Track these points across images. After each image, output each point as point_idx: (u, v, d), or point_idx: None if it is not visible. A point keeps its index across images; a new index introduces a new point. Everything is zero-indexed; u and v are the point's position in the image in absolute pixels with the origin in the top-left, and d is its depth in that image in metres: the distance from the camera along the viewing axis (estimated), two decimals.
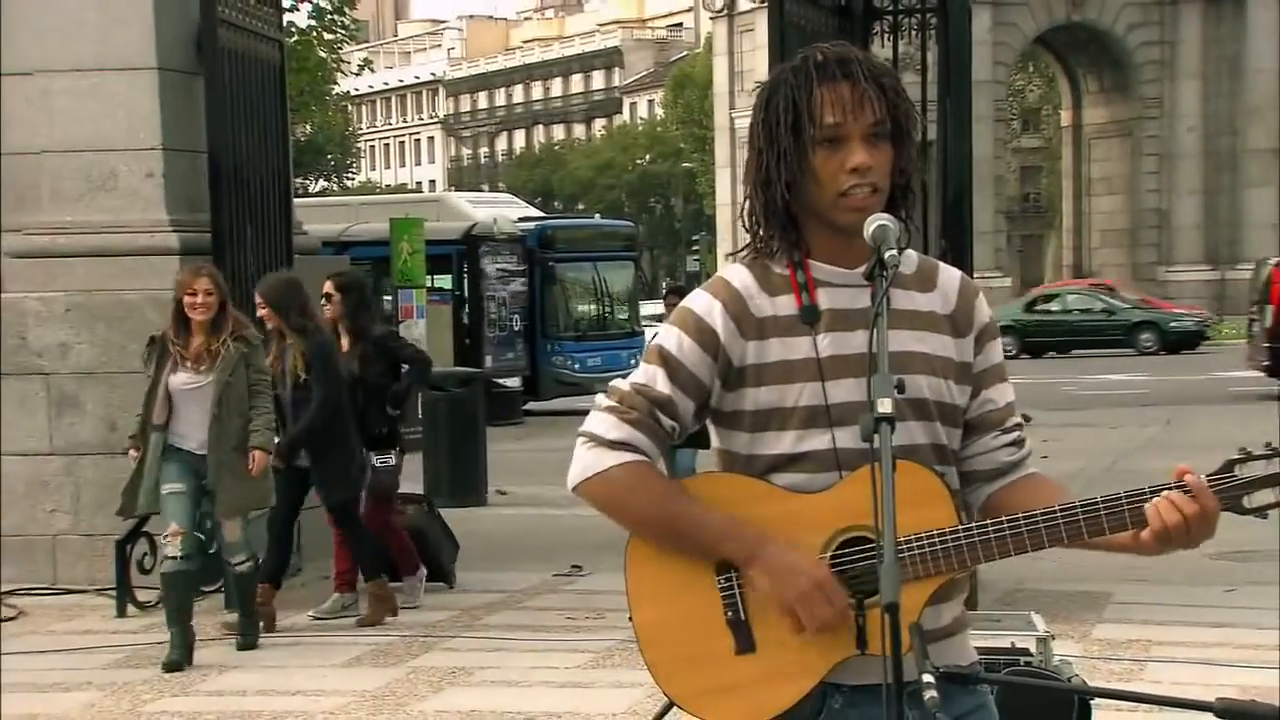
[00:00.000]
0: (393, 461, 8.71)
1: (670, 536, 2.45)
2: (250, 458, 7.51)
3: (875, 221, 2.37)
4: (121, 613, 8.67)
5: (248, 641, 7.83)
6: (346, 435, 8.30)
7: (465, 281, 22.87)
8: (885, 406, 2.22)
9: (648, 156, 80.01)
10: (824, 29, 8.57)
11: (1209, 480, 2.33)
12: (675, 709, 2.59)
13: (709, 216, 63.23)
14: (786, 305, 2.45)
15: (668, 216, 77.76)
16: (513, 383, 23.07)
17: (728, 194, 53.93)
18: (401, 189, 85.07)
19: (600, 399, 2.52)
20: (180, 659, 7.39)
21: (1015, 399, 2.59)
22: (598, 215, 45.57)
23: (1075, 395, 23.82)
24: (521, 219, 25.30)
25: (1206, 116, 46.46)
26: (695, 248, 67.27)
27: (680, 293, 11.86)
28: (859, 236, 2.38)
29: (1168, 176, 46.83)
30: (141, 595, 8.75)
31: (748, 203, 2.50)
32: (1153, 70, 46.56)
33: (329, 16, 27.59)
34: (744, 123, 56.36)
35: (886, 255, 2.33)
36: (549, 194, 77.53)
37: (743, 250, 2.54)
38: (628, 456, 2.45)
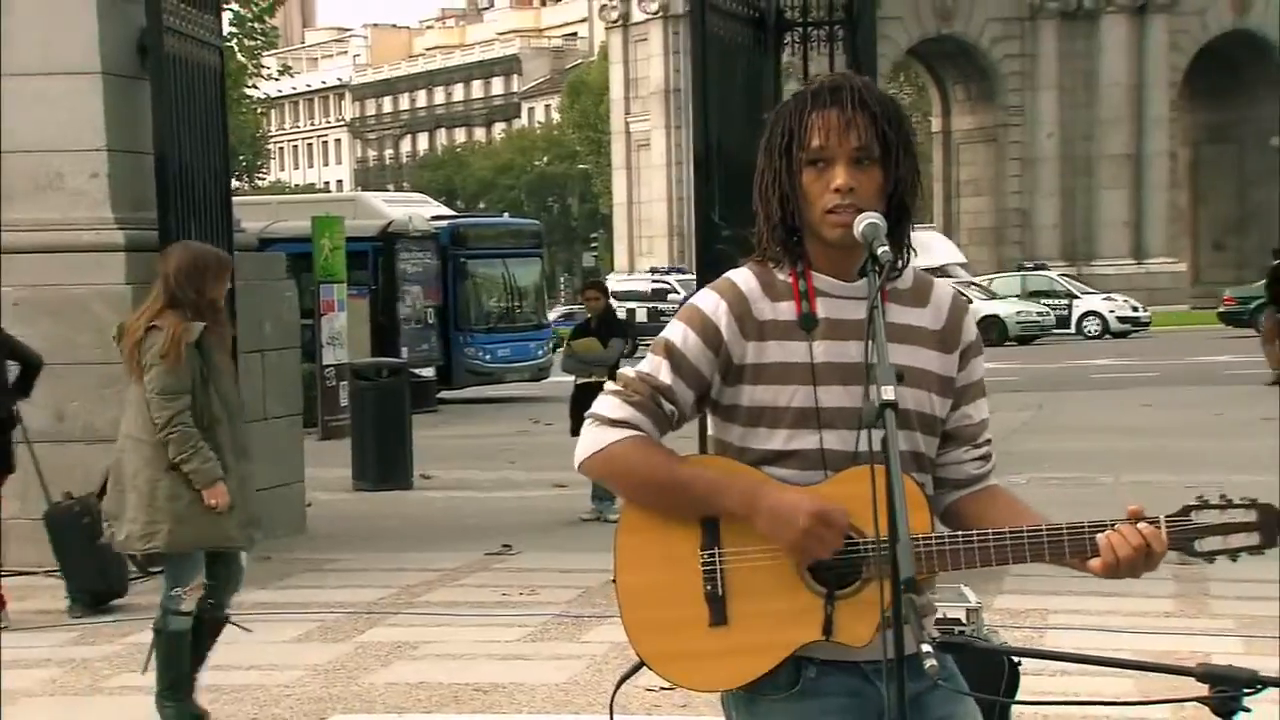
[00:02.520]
0: None
1: (671, 496, 2.46)
2: None
3: (865, 220, 2.38)
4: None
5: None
6: None
7: (381, 276, 22.67)
8: (889, 394, 2.22)
9: (545, 158, 79.95)
10: (741, 39, 8.63)
11: (1167, 520, 2.38)
12: (641, 672, 2.60)
13: (604, 215, 63.28)
14: (787, 311, 2.47)
15: (564, 215, 77.69)
16: (427, 372, 22.92)
17: (624, 194, 54.01)
18: (310, 189, 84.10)
19: (609, 384, 2.56)
20: None
21: (989, 415, 2.62)
22: (506, 214, 45.28)
23: None
24: (434, 217, 25.12)
25: (1064, 124, 47.38)
26: (594, 245, 67.32)
27: (597, 286, 11.81)
28: (856, 250, 2.40)
29: (1029, 179, 47.72)
30: None
31: (759, 210, 2.54)
32: (1015, 81, 47.38)
33: (250, 24, 27.18)
34: (639, 127, 56.33)
35: (879, 251, 2.34)
36: (452, 193, 76.98)
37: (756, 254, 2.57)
38: (629, 432, 2.48)
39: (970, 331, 2.57)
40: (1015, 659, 4.46)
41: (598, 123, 65.36)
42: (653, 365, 2.51)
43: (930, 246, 33.73)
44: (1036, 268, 40.79)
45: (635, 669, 2.57)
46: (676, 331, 2.50)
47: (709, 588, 2.44)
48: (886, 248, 2.35)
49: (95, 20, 9.22)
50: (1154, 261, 47.07)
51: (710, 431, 2.58)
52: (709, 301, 2.50)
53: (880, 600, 2.34)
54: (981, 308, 31.82)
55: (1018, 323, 34.66)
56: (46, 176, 9.24)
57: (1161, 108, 47.24)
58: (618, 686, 3.05)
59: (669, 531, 2.47)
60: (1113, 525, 2.37)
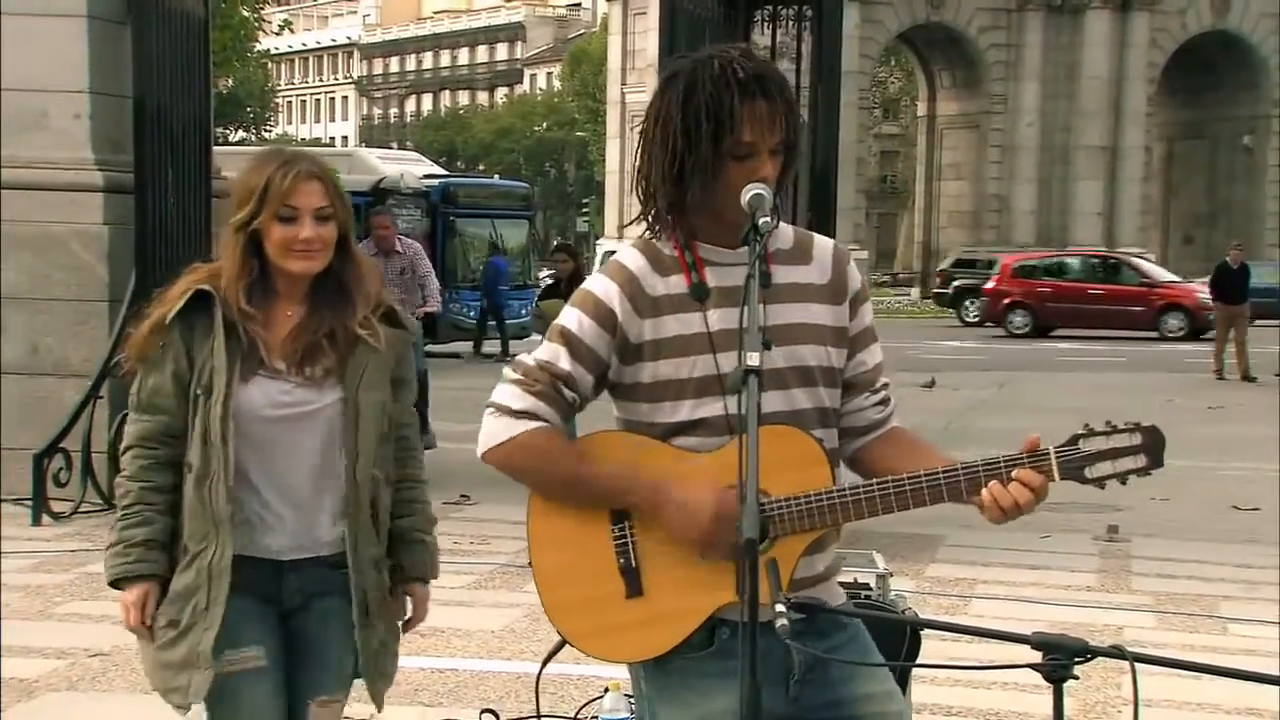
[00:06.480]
0: None
1: (575, 493, 2.43)
2: (404, 592, 3.29)
3: (752, 190, 2.35)
4: (37, 521, 8.48)
5: None
6: None
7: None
8: (753, 360, 2.18)
9: (545, 124, 79.61)
10: (711, 16, 8.53)
11: (1056, 450, 2.34)
12: (566, 648, 2.56)
13: (599, 183, 63.04)
14: (677, 284, 2.43)
15: (561, 180, 77.40)
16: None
17: (617, 162, 53.70)
18: (316, 143, 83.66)
19: (507, 372, 2.50)
20: None
21: (884, 359, 2.59)
22: (497, 176, 45.06)
23: None
24: (426, 175, 24.98)
25: (1044, 114, 47.14)
26: (585, 210, 67.09)
27: (568, 250, 11.72)
28: (744, 219, 2.36)
29: (1008, 166, 47.50)
30: (56, 506, 8.58)
31: (645, 183, 2.44)
32: (999, 70, 47.12)
33: None
34: (634, 99, 55.99)
35: (760, 221, 2.31)
36: (453, 154, 76.79)
37: (633, 223, 2.50)
38: (532, 424, 2.43)
39: (855, 280, 2.54)
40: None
41: (596, 92, 65.11)
42: (551, 353, 2.46)
43: None
44: None
45: (558, 648, 2.54)
46: (572, 318, 2.45)
47: (622, 561, 2.42)
48: (769, 218, 2.32)
49: None
50: (1124, 251, 47.05)
51: (615, 413, 2.53)
52: (600, 285, 2.46)
53: (794, 555, 2.34)
54: None
55: None
56: (32, 115, 9.15)
57: (1139, 102, 47.06)
58: (543, 666, 2.99)
59: (579, 510, 2.44)
60: (1004, 462, 2.34)
